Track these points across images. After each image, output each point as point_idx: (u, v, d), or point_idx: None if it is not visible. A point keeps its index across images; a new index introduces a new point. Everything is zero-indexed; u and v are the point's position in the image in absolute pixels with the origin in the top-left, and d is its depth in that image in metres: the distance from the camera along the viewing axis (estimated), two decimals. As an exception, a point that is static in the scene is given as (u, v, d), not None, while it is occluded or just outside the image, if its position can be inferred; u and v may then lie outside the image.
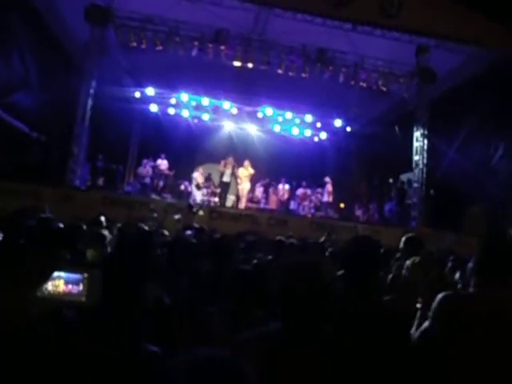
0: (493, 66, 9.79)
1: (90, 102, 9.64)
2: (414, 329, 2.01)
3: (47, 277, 1.24)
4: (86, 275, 1.27)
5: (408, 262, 2.67)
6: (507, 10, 9.01)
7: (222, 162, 12.26)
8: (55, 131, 10.55)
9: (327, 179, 13.22)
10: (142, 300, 1.64)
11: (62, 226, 3.32)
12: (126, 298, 1.55)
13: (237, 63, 10.63)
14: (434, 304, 1.88)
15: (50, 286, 1.24)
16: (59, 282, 1.26)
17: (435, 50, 10.22)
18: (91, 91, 9.67)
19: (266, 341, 1.45)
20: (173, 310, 2.35)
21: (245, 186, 12.38)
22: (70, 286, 1.25)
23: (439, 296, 1.88)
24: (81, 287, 1.26)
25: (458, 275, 3.30)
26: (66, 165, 9.43)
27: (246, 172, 12.29)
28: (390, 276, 3.29)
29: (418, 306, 2.10)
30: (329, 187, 13.11)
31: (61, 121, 10.26)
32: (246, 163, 12.35)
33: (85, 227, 3.76)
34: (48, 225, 3.46)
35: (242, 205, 12.18)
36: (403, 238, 3.34)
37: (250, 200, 12.95)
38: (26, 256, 1.33)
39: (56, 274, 1.25)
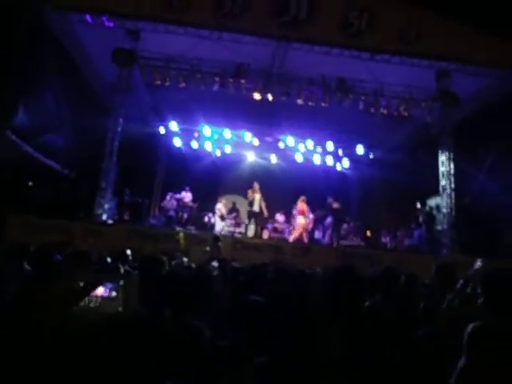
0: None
1: (117, 139, 9.98)
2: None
3: (86, 294, 1.24)
4: (121, 283, 1.27)
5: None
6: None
7: (250, 191, 11.94)
8: (84, 167, 10.95)
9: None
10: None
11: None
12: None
13: (257, 96, 10.86)
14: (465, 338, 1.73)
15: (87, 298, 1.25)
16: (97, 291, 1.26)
17: (456, 74, 10.15)
18: (118, 129, 10.04)
19: None
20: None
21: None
22: (106, 293, 1.25)
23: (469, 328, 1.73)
24: (116, 294, 1.25)
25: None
26: (95, 199, 9.69)
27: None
28: (422, 305, 3.13)
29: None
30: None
31: (90, 157, 10.66)
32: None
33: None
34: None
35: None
36: (434, 266, 3.20)
37: (274, 229, 12.82)
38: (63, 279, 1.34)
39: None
